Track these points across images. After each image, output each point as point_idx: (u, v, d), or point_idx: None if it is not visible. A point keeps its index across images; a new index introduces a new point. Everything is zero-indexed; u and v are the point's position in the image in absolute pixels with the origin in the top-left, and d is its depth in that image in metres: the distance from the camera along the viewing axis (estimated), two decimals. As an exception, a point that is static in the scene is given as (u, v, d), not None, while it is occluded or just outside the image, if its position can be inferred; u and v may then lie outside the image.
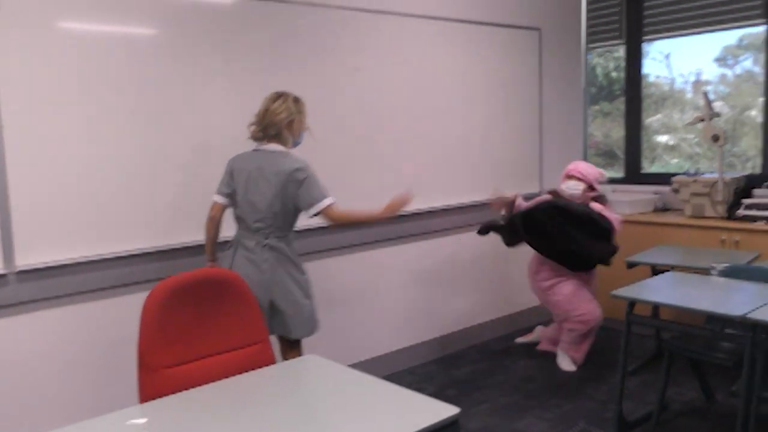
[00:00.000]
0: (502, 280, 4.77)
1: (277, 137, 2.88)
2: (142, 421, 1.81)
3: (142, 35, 3.01)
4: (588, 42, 5.33)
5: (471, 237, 4.47)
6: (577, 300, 3.98)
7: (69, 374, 2.92)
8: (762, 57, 4.43)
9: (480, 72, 4.47)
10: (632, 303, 3.03)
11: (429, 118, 4.19)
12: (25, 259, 2.73)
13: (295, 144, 2.97)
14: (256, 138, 2.91)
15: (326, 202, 2.80)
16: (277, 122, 2.86)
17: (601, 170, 4.09)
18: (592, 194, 3.96)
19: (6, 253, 2.69)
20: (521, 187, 4.81)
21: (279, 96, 2.90)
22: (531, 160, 4.92)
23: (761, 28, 4.42)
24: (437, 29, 4.19)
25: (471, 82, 4.42)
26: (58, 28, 2.77)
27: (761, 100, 4.46)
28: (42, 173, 2.75)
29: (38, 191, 2.75)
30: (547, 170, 4.98)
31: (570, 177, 3.97)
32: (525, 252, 4.17)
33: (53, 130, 2.77)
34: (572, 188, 3.92)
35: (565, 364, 4.07)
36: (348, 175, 3.80)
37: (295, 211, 2.89)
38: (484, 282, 4.68)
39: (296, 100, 2.93)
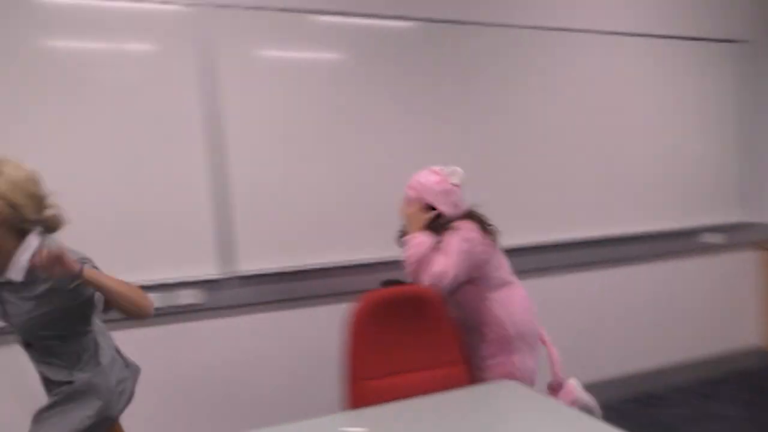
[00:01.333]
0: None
1: None
2: (356, 429, 1.88)
3: (334, 61, 3.21)
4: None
5: (675, 267, 4.21)
6: None
7: (275, 375, 3.15)
8: None
9: (674, 90, 4.18)
10: None
11: (620, 138, 4.01)
12: (246, 265, 3.06)
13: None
14: None
15: None
16: None
17: (454, 168, 2.50)
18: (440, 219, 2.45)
19: (227, 260, 3.02)
20: (716, 216, 4.40)
21: None
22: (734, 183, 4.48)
23: None
24: (634, 46, 4.02)
25: (664, 101, 4.15)
26: (261, 57, 3.07)
27: None
28: (254, 191, 3.07)
29: (252, 209, 3.06)
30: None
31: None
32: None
33: (263, 151, 3.07)
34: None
35: None
36: (534, 198, 3.74)
37: None
38: (707, 312, 4.40)
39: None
